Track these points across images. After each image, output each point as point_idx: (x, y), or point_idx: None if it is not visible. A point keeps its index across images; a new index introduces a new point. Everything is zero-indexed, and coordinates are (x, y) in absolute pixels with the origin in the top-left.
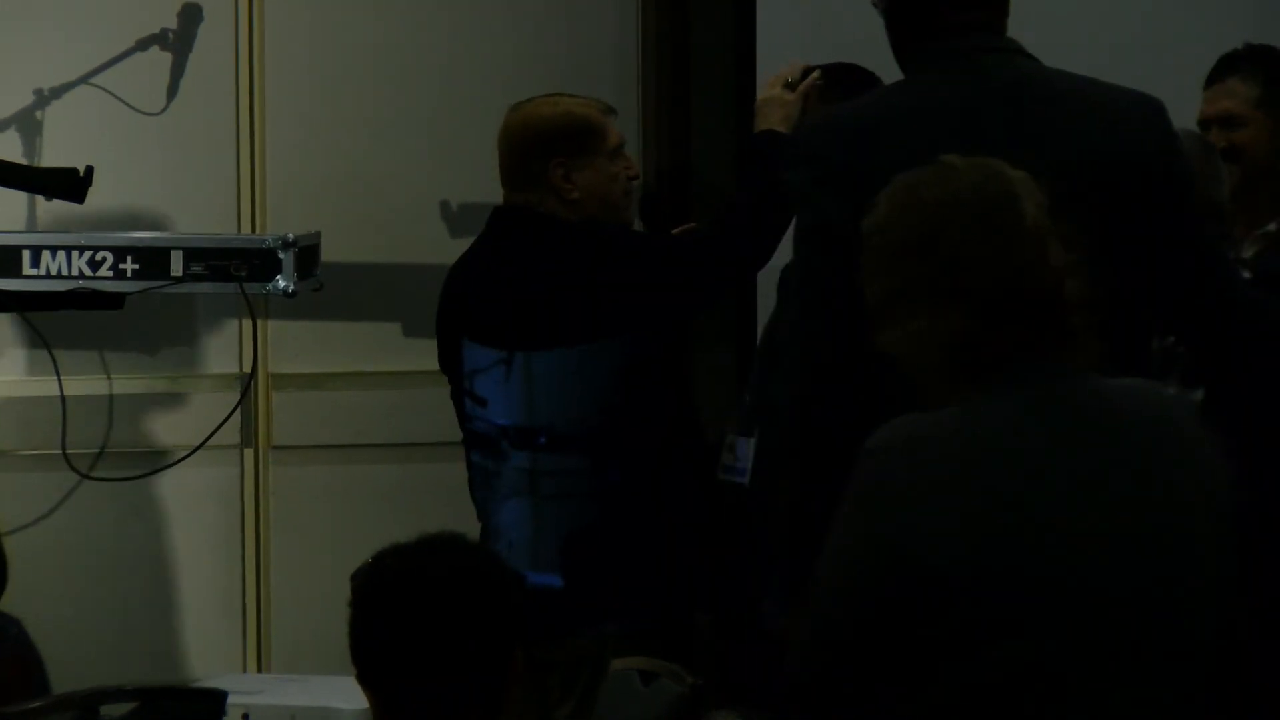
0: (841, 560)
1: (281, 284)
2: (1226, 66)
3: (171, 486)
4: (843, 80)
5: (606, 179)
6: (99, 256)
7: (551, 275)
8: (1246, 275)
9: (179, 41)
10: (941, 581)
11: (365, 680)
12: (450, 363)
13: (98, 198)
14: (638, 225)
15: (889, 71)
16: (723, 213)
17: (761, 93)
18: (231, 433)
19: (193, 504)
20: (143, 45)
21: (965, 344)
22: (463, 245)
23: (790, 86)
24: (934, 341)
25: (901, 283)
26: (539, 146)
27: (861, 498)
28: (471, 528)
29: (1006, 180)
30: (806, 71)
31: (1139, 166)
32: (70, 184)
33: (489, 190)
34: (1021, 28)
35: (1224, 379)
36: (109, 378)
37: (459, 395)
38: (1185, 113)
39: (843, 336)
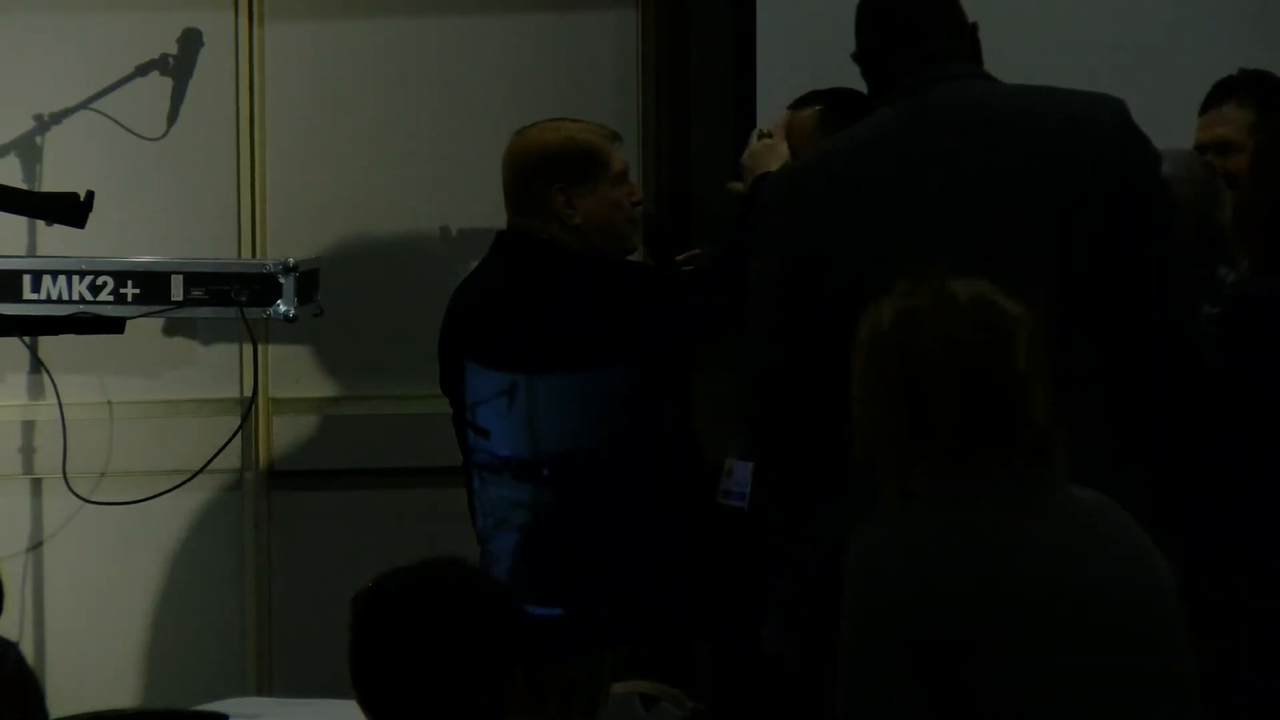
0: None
1: (282, 309)
2: (1222, 92)
3: (172, 511)
4: (840, 106)
5: (609, 205)
6: (99, 281)
7: (551, 302)
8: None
9: (179, 67)
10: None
11: (366, 704)
12: (452, 385)
13: (98, 222)
14: (641, 252)
15: None
16: (722, 252)
17: (746, 151)
18: (232, 457)
19: (193, 528)
20: (143, 71)
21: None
22: (463, 270)
23: (768, 135)
24: (905, 446)
25: (884, 405)
26: (541, 172)
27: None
28: (472, 552)
29: (1004, 321)
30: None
31: (1104, 165)
32: (71, 209)
33: (490, 215)
34: (1019, 42)
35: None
36: (109, 402)
37: (461, 421)
38: (1184, 126)
39: (784, 391)
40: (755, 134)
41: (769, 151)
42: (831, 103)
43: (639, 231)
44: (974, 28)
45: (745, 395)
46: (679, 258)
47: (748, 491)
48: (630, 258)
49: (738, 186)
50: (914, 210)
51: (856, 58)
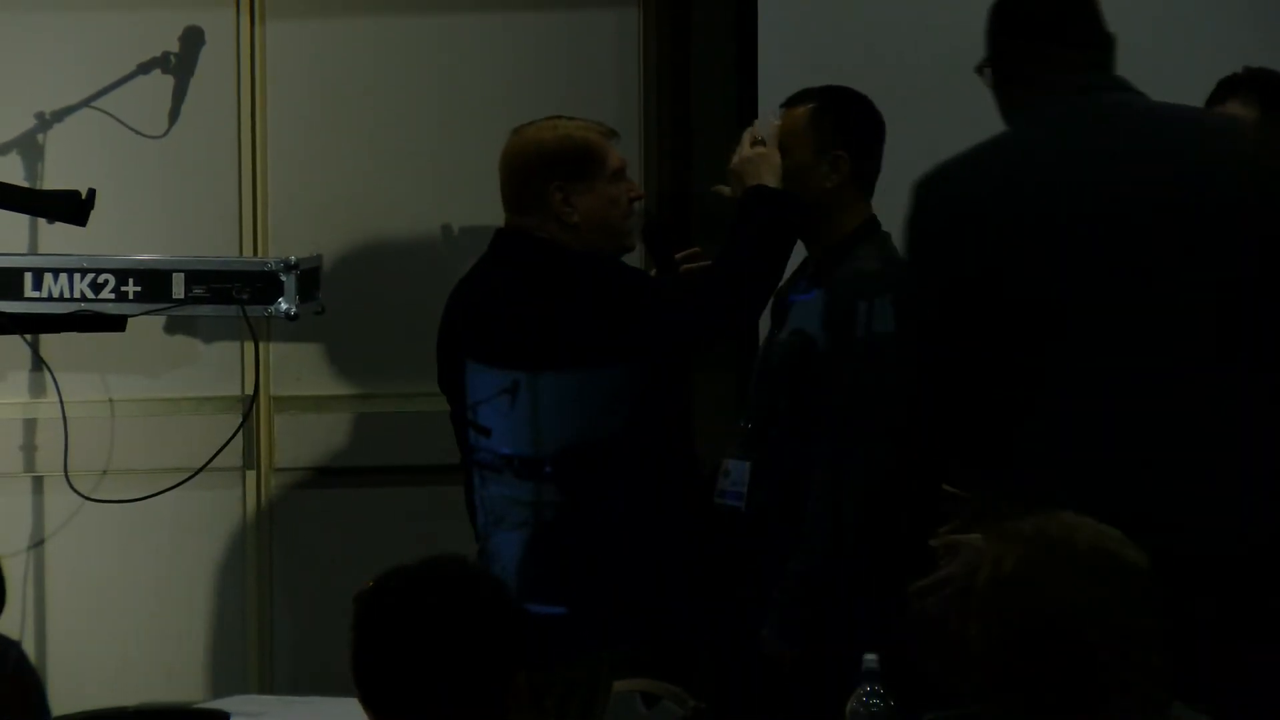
0: None
1: (283, 307)
2: (1225, 90)
3: (174, 509)
4: (833, 104)
5: (606, 203)
6: (101, 279)
7: (551, 300)
8: None
9: (181, 65)
10: None
11: (368, 702)
12: (449, 383)
13: (100, 220)
14: (640, 250)
15: (886, 90)
16: (717, 265)
17: (737, 155)
18: (233, 455)
19: (195, 526)
20: (144, 69)
21: None
22: (465, 268)
23: (761, 142)
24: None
25: (995, 650)
26: (538, 170)
27: None
28: (473, 550)
29: (1123, 575)
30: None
31: (1247, 180)
32: (72, 207)
33: (491, 213)
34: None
35: None
36: (111, 400)
37: (460, 419)
38: None
39: (925, 402)
40: (747, 137)
41: (762, 160)
42: (825, 100)
43: (637, 229)
44: (1113, 39)
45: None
46: (678, 255)
47: (744, 492)
48: (629, 255)
49: (725, 190)
50: (1070, 220)
51: (987, 66)
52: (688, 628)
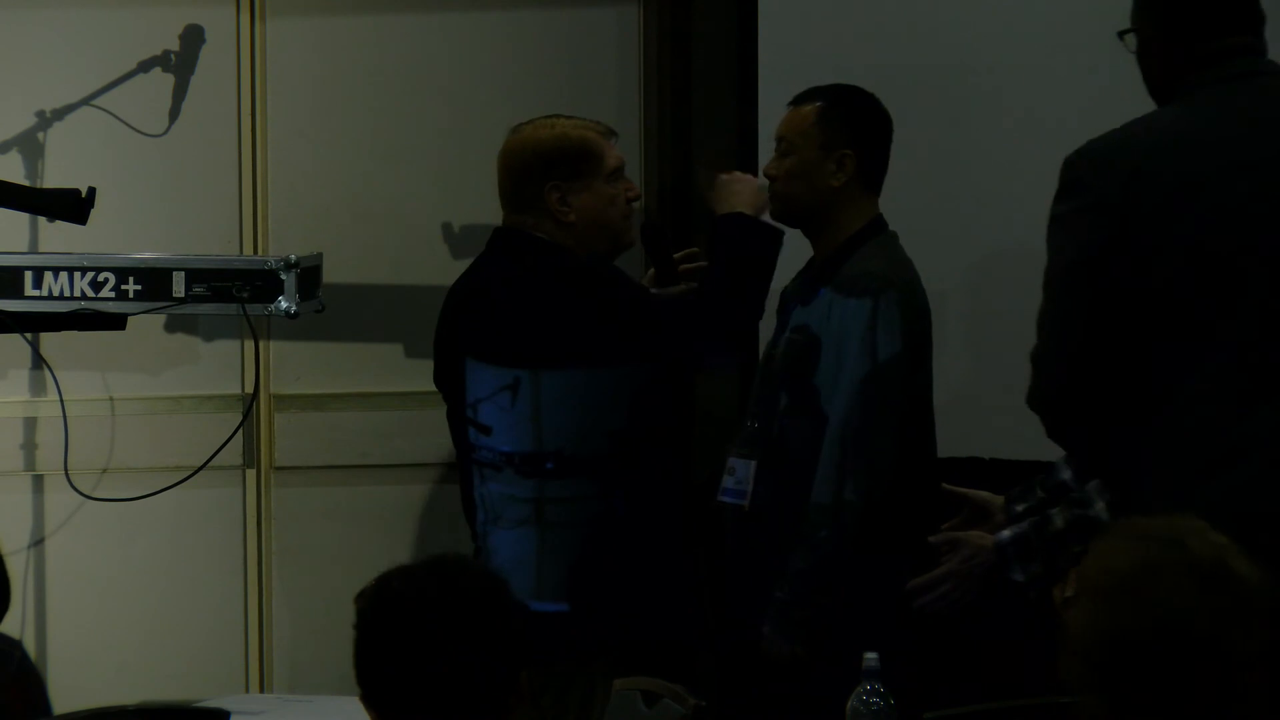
0: None
1: (284, 305)
2: None
3: (174, 507)
4: (840, 102)
5: (603, 202)
6: (101, 277)
7: (549, 299)
8: None
9: (181, 63)
10: None
11: (369, 701)
12: (446, 381)
13: (100, 219)
14: (639, 250)
15: (887, 89)
16: (699, 290)
17: (719, 179)
18: (233, 454)
19: (195, 524)
20: (145, 67)
21: None
22: (464, 266)
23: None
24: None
25: (1103, 651)
26: (535, 169)
27: None
28: (473, 549)
29: (1240, 589)
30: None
31: None
32: (73, 205)
33: (491, 212)
34: (1015, 43)
35: None
36: (111, 398)
37: (457, 418)
38: None
39: (1085, 377)
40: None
41: (742, 186)
42: (832, 99)
43: (635, 228)
44: (1263, 16)
45: (1042, 375)
46: (677, 255)
47: (748, 490)
48: (627, 253)
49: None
50: (1230, 205)
51: (1141, 51)
52: (687, 627)
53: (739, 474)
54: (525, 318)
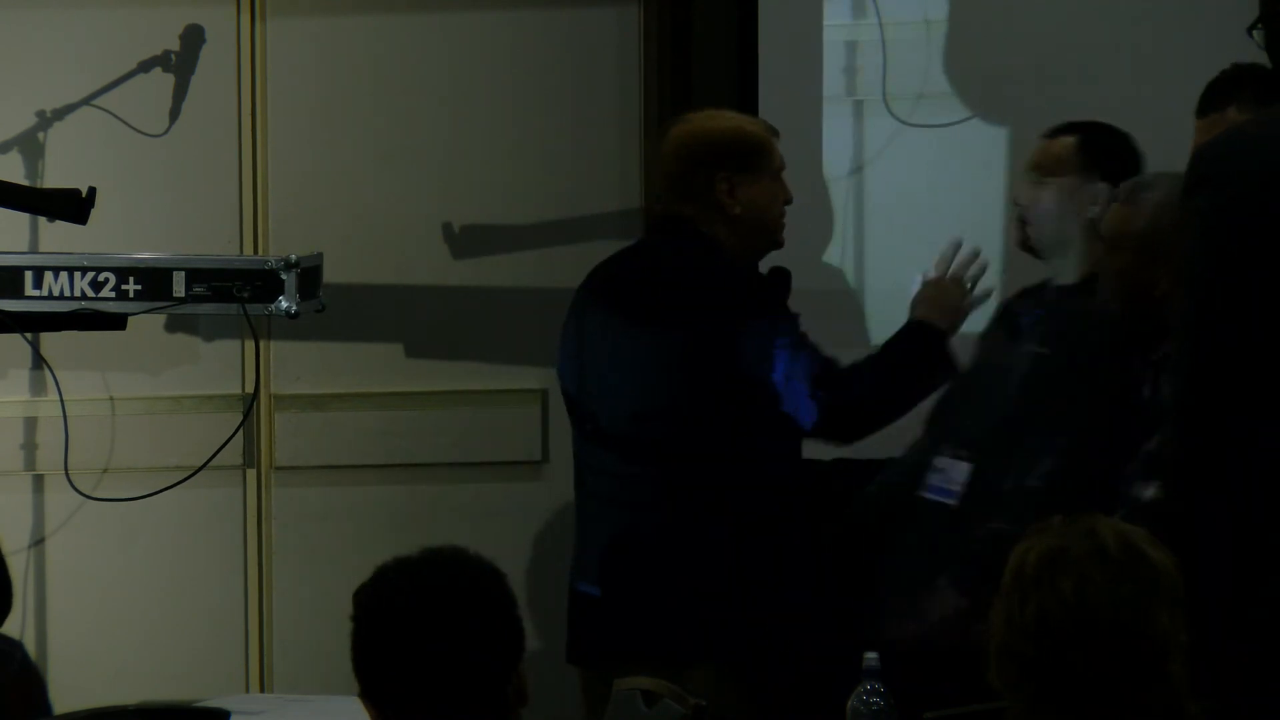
0: None
1: (284, 305)
2: (1221, 97)
3: (174, 507)
4: (1095, 135)
5: (769, 198)
6: (101, 277)
7: (692, 296)
8: None
9: (181, 63)
10: None
11: (368, 695)
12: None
13: (100, 219)
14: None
15: (889, 87)
16: (849, 372)
17: (928, 279)
18: (234, 453)
19: (195, 524)
20: (145, 67)
21: None
22: (464, 266)
23: (955, 279)
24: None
25: (1020, 640)
26: (708, 158)
27: None
28: (485, 548)
29: (1149, 573)
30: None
31: None
32: (73, 205)
33: (492, 212)
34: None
35: None
36: (111, 398)
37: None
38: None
39: (1232, 368)
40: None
41: (942, 294)
42: (1090, 133)
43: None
44: None
45: (1181, 379)
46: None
47: (958, 490)
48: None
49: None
50: None
51: (1270, 44)
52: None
53: (950, 474)
54: (673, 303)
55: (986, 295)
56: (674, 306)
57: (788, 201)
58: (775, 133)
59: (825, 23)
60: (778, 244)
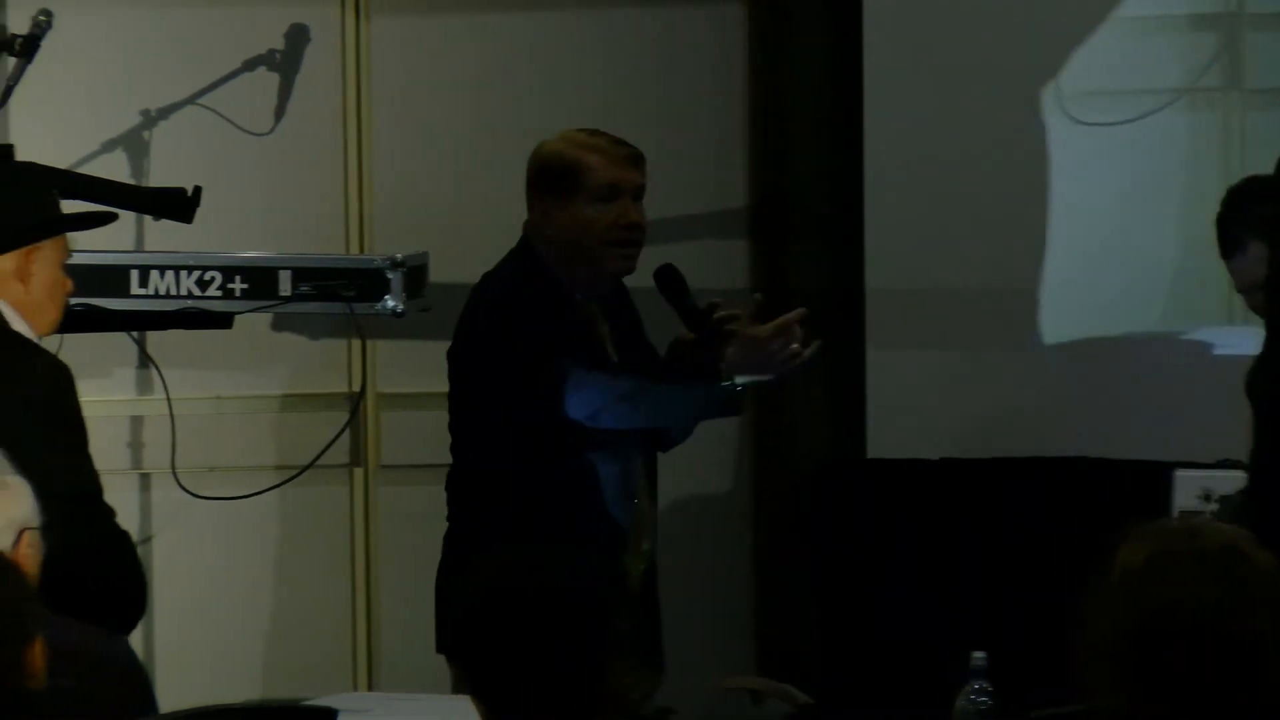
0: None
1: (390, 304)
2: None
3: (279, 506)
4: None
5: (580, 224)
6: (207, 276)
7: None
8: None
9: (286, 62)
10: None
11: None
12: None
13: (205, 218)
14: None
15: (993, 85)
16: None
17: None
18: (340, 452)
19: (301, 523)
20: (249, 66)
21: None
22: None
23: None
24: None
25: (1119, 648)
26: (531, 179)
27: None
28: None
29: (1252, 576)
30: None
31: None
32: (178, 204)
33: None
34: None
35: None
36: (218, 397)
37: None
38: None
39: None
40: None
41: (756, 346)
42: None
43: (627, 258)
44: None
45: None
46: (717, 315)
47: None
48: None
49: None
50: None
51: None
52: None
53: None
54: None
55: (804, 359)
56: (458, 336)
57: (624, 227)
58: (631, 158)
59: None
60: (608, 271)
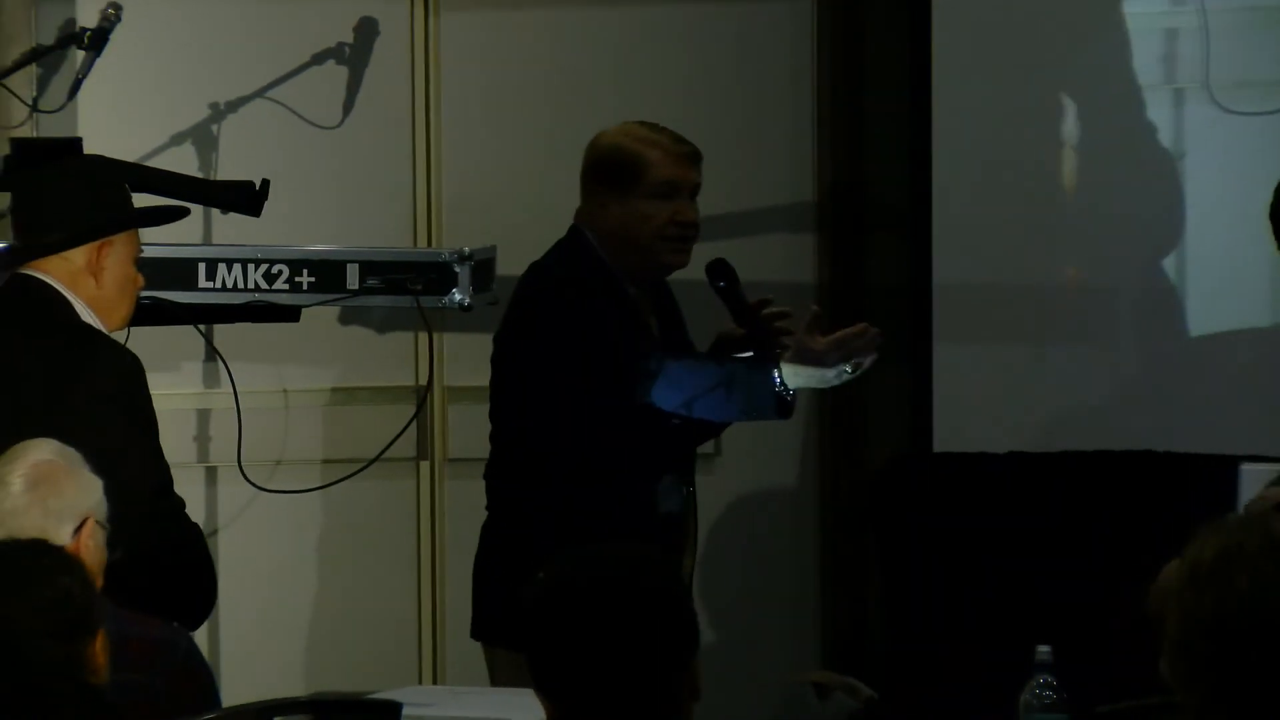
0: None
1: (457, 298)
2: None
3: (347, 499)
4: None
5: (637, 219)
6: (275, 269)
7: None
8: None
9: (355, 56)
10: None
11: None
12: None
13: (273, 211)
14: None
15: (1058, 80)
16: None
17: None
18: (407, 445)
19: (368, 517)
20: (319, 59)
21: None
22: None
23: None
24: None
25: (1195, 640)
26: (587, 172)
27: None
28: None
29: None
30: None
31: None
32: (246, 197)
33: None
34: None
35: None
36: (285, 390)
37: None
38: None
39: None
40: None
41: (807, 347)
42: None
43: (680, 252)
44: None
45: None
46: (765, 312)
47: None
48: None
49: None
50: None
51: None
52: None
53: None
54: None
55: (859, 370)
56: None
57: (680, 224)
58: (691, 155)
59: (1128, 9)
60: (661, 266)
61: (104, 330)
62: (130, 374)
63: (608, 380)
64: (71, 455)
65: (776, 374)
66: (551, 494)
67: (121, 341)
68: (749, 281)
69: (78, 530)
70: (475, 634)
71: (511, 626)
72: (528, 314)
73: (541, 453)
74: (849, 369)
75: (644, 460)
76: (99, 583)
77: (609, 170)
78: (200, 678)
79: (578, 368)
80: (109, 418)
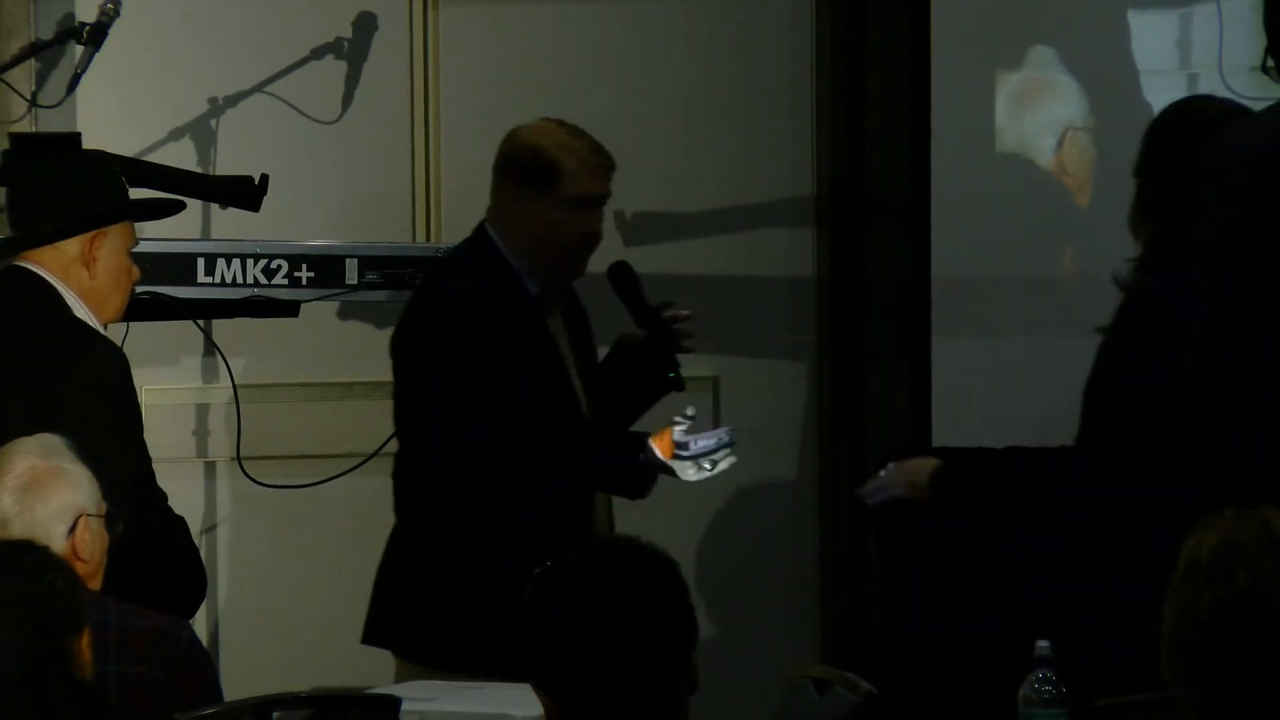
0: None
1: None
2: None
3: (345, 495)
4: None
5: (548, 225)
6: (274, 264)
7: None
8: None
9: (354, 50)
10: None
11: (539, 683)
12: None
13: (272, 206)
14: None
15: (1057, 67)
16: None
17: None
18: None
19: (366, 512)
20: (317, 54)
21: None
22: (636, 253)
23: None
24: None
25: (1193, 634)
26: (499, 166)
27: None
28: (658, 532)
29: None
30: None
31: None
32: (245, 192)
33: (663, 199)
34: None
35: None
36: (284, 385)
37: None
38: None
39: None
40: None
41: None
42: None
43: (582, 262)
44: None
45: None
46: (665, 315)
47: None
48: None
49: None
50: None
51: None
52: None
53: None
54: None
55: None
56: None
57: (586, 236)
58: (605, 169)
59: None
60: (564, 273)
61: (95, 323)
62: (116, 367)
63: (486, 408)
64: (57, 450)
65: (643, 455)
66: (443, 504)
67: (120, 336)
68: (750, 276)
69: (71, 530)
70: (367, 639)
71: (399, 631)
72: (418, 328)
73: (429, 464)
74: (708, 467)
75: (531, 475)
76: (103, 565)
77: (525, 171)
78: (202, 670)
79: (462, 388)
80: (93, 409)
